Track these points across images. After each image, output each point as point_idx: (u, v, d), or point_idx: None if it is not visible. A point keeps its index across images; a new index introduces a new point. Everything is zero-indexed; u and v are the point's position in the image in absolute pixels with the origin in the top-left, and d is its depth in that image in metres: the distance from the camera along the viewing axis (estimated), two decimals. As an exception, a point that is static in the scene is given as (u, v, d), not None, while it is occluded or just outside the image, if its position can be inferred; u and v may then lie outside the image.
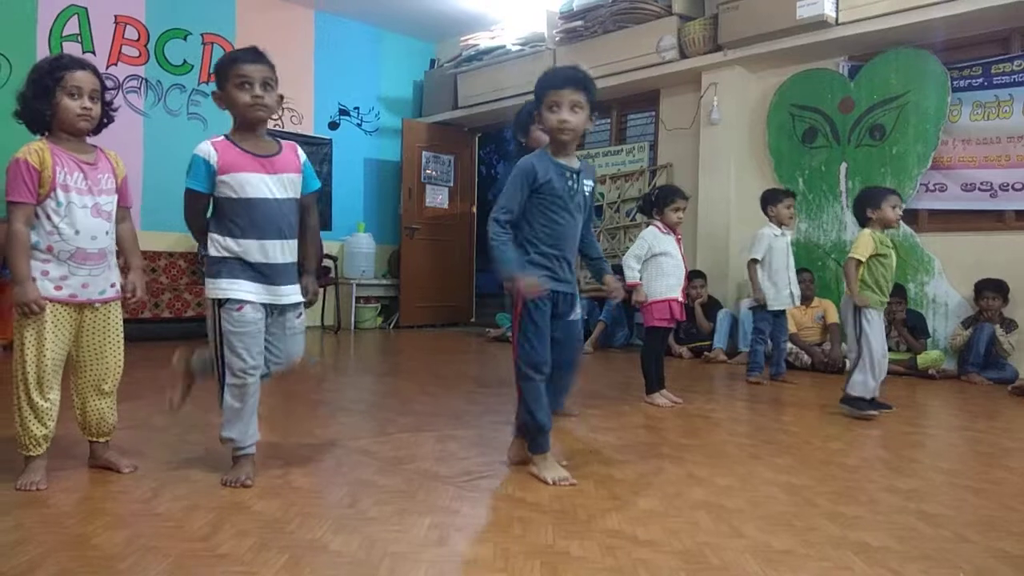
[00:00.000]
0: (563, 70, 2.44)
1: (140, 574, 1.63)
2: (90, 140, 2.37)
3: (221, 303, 2.28)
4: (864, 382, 3.61)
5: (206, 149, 2.30)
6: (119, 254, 2.43)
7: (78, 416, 2.40)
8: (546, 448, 2.47)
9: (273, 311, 2.38)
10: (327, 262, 7.77)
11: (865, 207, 3.78)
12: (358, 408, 3.77)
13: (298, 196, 2.43)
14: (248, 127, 2.37)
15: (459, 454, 2.77)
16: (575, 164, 2.49)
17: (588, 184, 2.53)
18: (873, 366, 3.60)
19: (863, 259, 3.66)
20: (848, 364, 3.76)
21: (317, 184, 2.52)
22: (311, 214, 2.52)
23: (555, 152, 2.45)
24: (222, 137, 2.36)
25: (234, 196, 2.29)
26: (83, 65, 2.27)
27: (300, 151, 2.47)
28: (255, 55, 2.34)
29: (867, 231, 3.72)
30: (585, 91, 2.38)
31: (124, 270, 2.45)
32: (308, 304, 2.48)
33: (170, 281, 6.93)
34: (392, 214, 8.78)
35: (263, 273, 2.32)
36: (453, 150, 8.94)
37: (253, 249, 2.30)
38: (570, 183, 2.45)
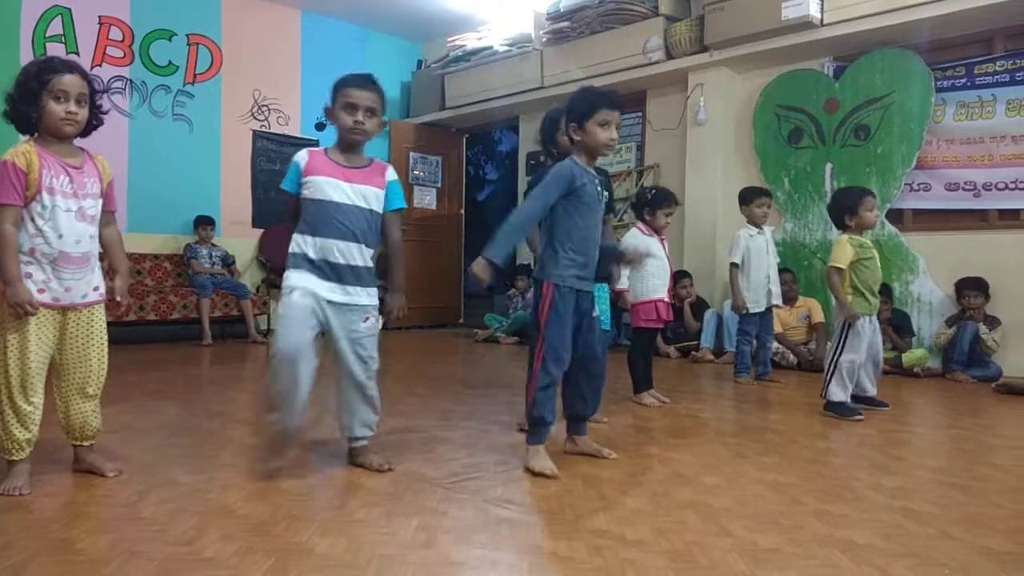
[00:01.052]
0: (610, 93, 2.65)
1: (124, 579, 1.61)
2: (78, 143, 2.36)
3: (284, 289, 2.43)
4: (843, 385, 3.62)
5: (300, 156, 2.49)
6: (103, 257, 2.41)
7: (62, 420, 2.38)
8: (543, 441, 2.60)
9: (332, 310, 2.44)
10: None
11: (843, 214, 3.76)
12: (345, 410, 3.74)
13: (377, 209, 2.53)
14: (346, 147, 2.52)
15: (447, 455, 2.77)
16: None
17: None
18: (845, 373, 3.61)
19: (843, 267, 3.64)
20: (825, 368, 3.75)
21: (401, 204, 2.64)
22: (393, 230, 2.63)
23: (587, 162, 2.65)
24: (320, 147, 2.53)
25: (311, 196, 2.44)
26: (71, 68, 2.25)
27: (390, 172, 2.61)
28: (365, 82, 2.48)
29: (844, 237, 3.70)
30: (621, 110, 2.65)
31: (109, 274, 2.43)
32: (388, 321, 2.59)
33: (155, 283, 6.89)
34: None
35: (323, 270, 2.43)
36: (441, 151, 8.93)
37: (320, 246, 2.42)
38: (599, 189, 2.65)
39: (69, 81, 2.22)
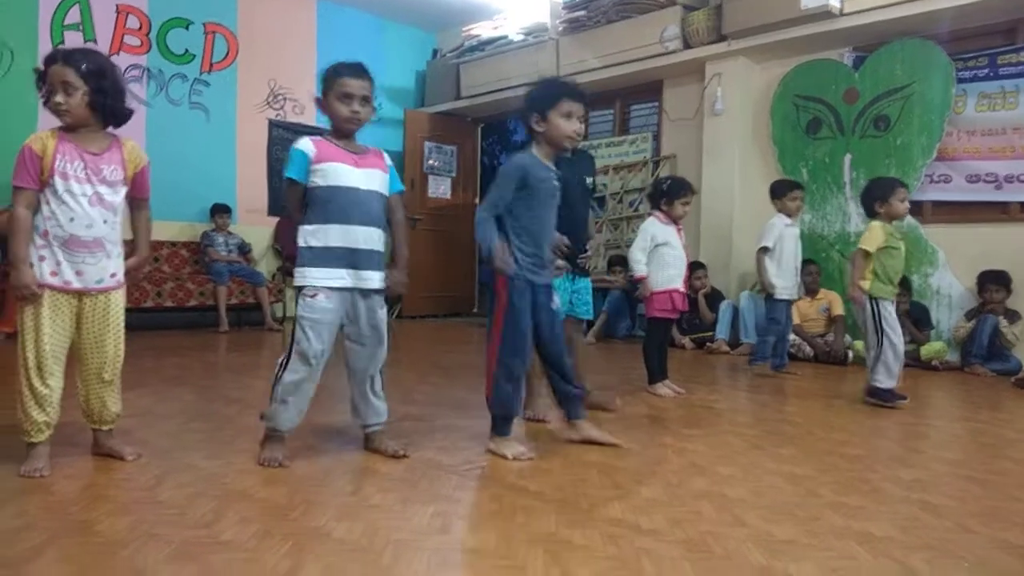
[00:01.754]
0: (574, 84, 2.63)
1: (143, 560, 1.63)
2: (113, 131, 2.38)
3: (300, 289, 2.41)
4: (889, 372, 3.64)
5: (304, 144, 2.43)
6: (126, 244, 2.44)
7: (82, 404, 2.41)
8: (508, 434, 2.63)
9: (357, 298, 2.45)
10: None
11: (874, 200, 3.78)
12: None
13: (384, 192, 2.53)
14: (342, 135, 2.51)
15: (461, 443, 2.77)
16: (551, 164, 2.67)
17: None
18: (892, 358, 3.63)
19: (872, 251, 3.66)
20: (868, 357, 3.76)
21: (402, 187, 2.65)
22: (398, 211, 2.61)
23: (545, 155, 2.62)
24: (319, 136, 2.50)
25: (324, 184, 2.40)
26: (55, 57, 2.25)
27: (386, 157, 2.61)
28: (358, 71, 2.50)
29: (877, 223, 3.72)
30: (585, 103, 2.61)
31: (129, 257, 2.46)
32: (396, 297, 2.54)
33: (172, 271, 6.93)
34: (394, 204, 8.76)
35: (347, 259, 2.41)
36: (456, 140, 8.92)
37: (342, 234, 2.40)
38: (555, 184, 2.64)
39: (53, 71, 2.23)
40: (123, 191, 2.37)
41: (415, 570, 1.62)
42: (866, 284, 3.69)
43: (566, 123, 2.54)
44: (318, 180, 2.40)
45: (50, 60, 2.25)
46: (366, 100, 2.49)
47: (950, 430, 3.37)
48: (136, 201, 2.46)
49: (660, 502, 2.12)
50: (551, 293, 2.70)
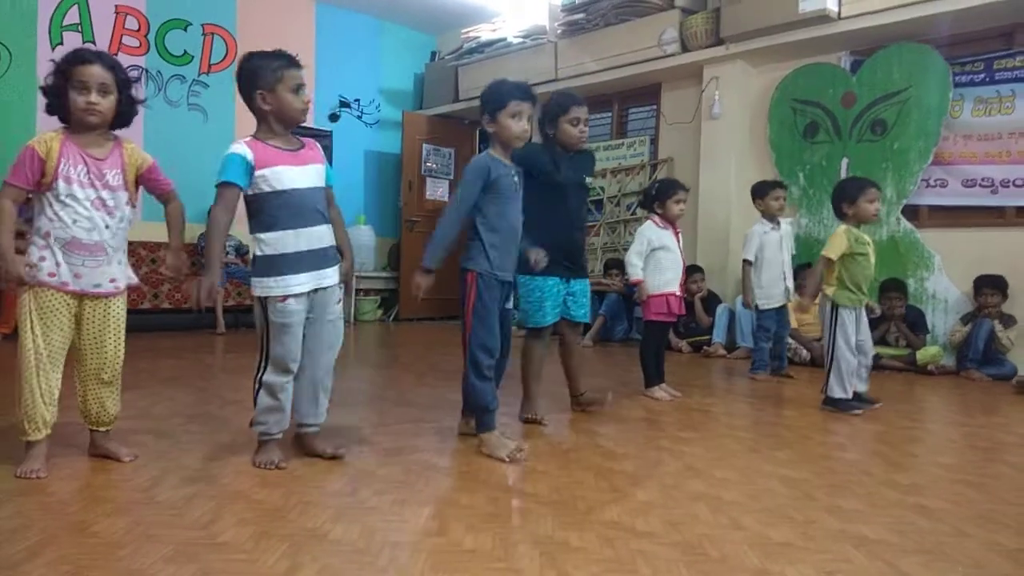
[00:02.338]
0: (522, 84, 2.72)
1: (140, 561, 1.63)
2: (118, 133, 2.39)
3: (265, 298, 2.38)
4: (840, 382, 3.60)
5: (241, 148, 2.34)
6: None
7: (80, 404, 2.41)
8: (493, 426, 2.66)
9: (317, 296, 2.45)
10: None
11: (842, 201, 3.72)
12: (358, 399, 3.77)
13: (323, 184, 2.50)
14: (282, 129, 2.44)
15: (458, 445, 2.78)
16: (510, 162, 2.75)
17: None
18: (840, 367, 3.59)
19: (833, 258, 3.61)
20: (824, 364, 3.73)
21: (332, 180, 2.59)
22: (333, 205, 2.58)
23: (503, 154, 2.71)
24: (249, 138, 2.40)
25: (270, 189, 2.35)
26: (94, 59, 2.26)
27: (319, 147, 2.56)
28: (295, 60, 2.46)
29: (842, 228, 3.66)
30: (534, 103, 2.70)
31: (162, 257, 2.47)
32: (346, 284, 2.59)
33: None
34: (392, 207, 8.77)
35: (307, 262, 2.40)
36: (454, 143, 8.93)
37: (301, 237, 2.38)
38: (515, 180, 2.71)
39: (90, 72, 2.24)
40: (125, 196, 2.37)
41: (412, 572, 1.62)
42: (830, 290, 3.66)
43: (514, 123, 2.63)
44: (263, 186, 2.35)
45: (87, 59, 2.25)
46: (302, 88, 2.43)
47: (945, 434, 3.38)
48: (162, 196, 2.49)
49: (656, 505, 2.13)
50: (511, 291, 2.82)
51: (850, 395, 3.63)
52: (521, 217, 2.77)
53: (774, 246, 4.72)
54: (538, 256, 2.88)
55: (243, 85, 2.41)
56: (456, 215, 2.65)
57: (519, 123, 2.64)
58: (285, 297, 2.36)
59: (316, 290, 2.45)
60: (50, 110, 2.30)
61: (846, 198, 3.70)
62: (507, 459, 2.53)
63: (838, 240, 3.63)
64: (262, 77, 2.37)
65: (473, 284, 2.66)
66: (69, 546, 1.71)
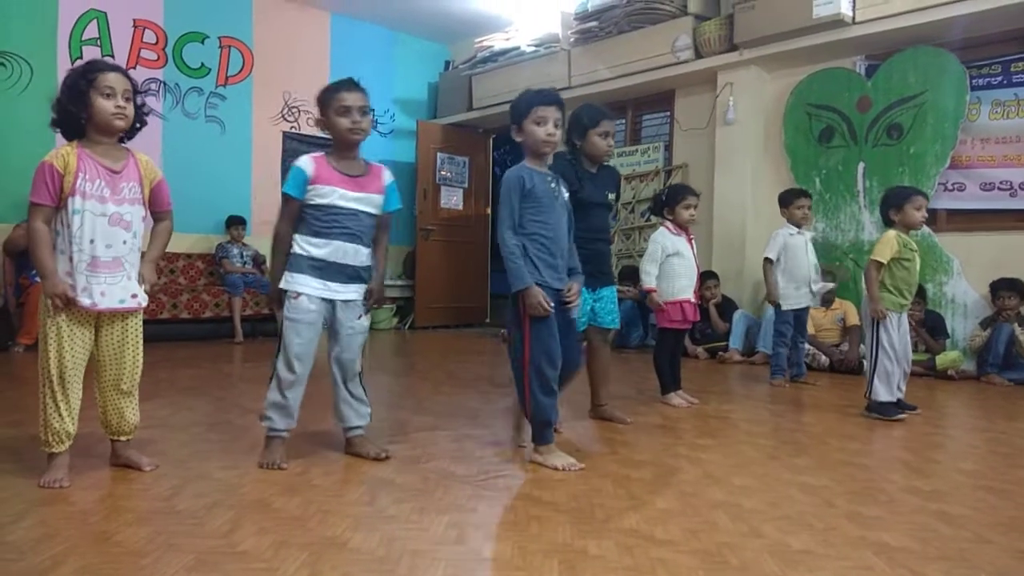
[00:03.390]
0: (545, 90, 2.72)
1: (162, 570, 1.65)
2: (125, 145, 2.41)
3: (285, 292, 2.56)
4: (887, 386, 3.59)
5: (304, 162, 2.56)
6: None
7: (100, 415, 2.44)
8: (551, 440, 2.65)
9: (337, 307, 2.59)
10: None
11: (889, 208, 3.75)
12: (374, 408, 3.74)
13: (376, 212, 2.66)
14: (345, 149, 2.63)
15: (475, 453, 2.78)
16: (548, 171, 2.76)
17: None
18: (888, 372, 3.58)
19: (884, 261, 3.62)
20: (866, 368, 3.73)
21: (398, 205, 2.78)
22: (385, 231, 2.75)
23: (537, 163, 2.71)
24: (321, 153, 2.62)
25: (317, 202, 2.55)
26: (114, 67, 2.32)
27: (387, 175, 2.73)
28: (353, 85, 2.62)
29: (892, 233, 3.67)
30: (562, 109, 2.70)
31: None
32: (373, 305, 2.69)
33: (188, 282, 6.99)
34: (407, 215, 8.79)
35: (332, 272, 2.56)
36: (468, 151, 8.96)
37: (328, 248, 2.55)
38: (552, 186, 2.70)
39: (114, 78, 2.28)
40: (142, 211, 2.39)
41: (431, 580, 1.63)
42: (878, 295, 3.64)
43: (538, 128, 2.63)
44: (314, 199, 2.54)
45: (109, 68, 2.29)
46: (364, 111, 2.60)
47: (966, 440, 3.35)
48: (160, 213, 2.50)
49: (675, 512, 2.12)
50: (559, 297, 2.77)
51: (895, 399, 3.61)
52: (566, 222, 2.73)
53: (799, 249, 4.70)
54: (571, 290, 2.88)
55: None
56: (508, 232, 2.60)
57: (543, 128, 2.63)
58: (298, 295, 2.52)
59: (336, 301, 2.57)
60: (60, 123, 2.30)
61: (893, 205, 3.73)
62: (560, 467, 2.55)
63: (888, 244, 3.64)
64: (322, 102, 2.62)
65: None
66: (92, 555, 1.73)
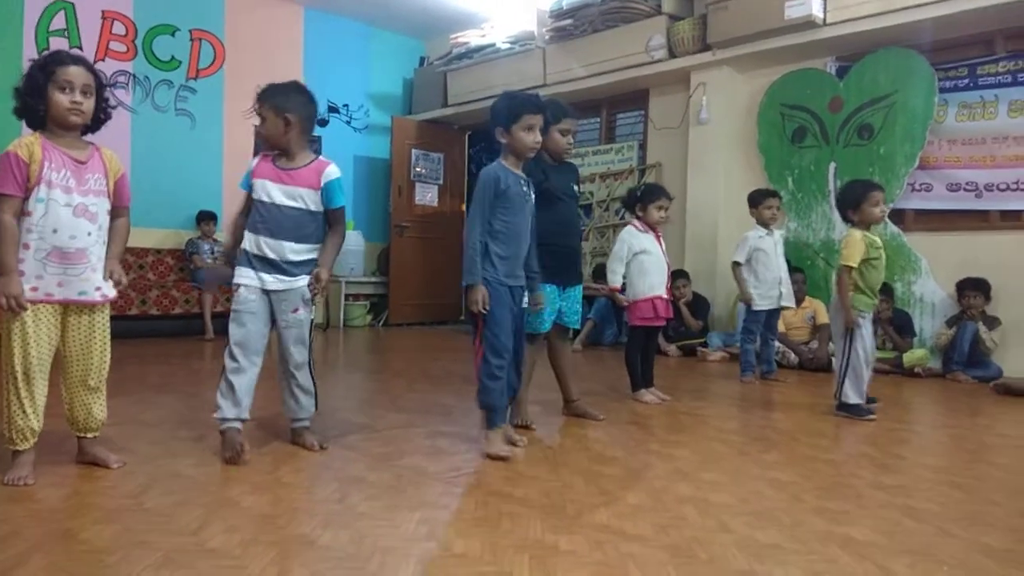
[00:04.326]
0: (535, 97, 2.81)
1: (130, 568, 1.63)
2: (89, 138, 2.37)
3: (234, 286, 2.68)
4: (856, 388, 3.60)
5: (254, 159, 2.73)
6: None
7: (66, 412, 2.40)
8: (499, 423, 2.76)
9: (278, 299, 2.67)
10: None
11: (847, 208, 3.74)
12: (347, 405, 3.76)
13: (310, 208, 2.69)
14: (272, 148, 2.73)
15: (448, 450, 2.78)
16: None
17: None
18: (858, 376, 3.60)
19: (855, 265, 3.58)
20: (836, 368, 3.74)
21: (340, 203, 2.74)
22: (335, 227, 2.77)
23: (513, 164, 2.80)
24: (270, 154, 2.73)
25: (256, 198, 2.67)
26: (76, 60, 2.27)
27: (328, 172, 2.71)
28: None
29: (857, 234, 3.64)
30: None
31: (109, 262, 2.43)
32: (315, 292, 2.71)
33: (157, 278, 6.90)
34: (382, 212, 8.77)
35: (264, 265, 2.64)
36: (443, 148, 8.93)
37: (259, 243, 2.63)
38: (524, 189, 2.80)
39: (74, 72, 2.24)
40: (107, 203, 2.36)
41: (402, 576, 1.62)
42: (851, 304, 3.63)
43: (527, 135, 2.72)
44: (255, 193, 2.67)
45: (69, 60, 2.25)
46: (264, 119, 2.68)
47: (932, 436, 3.41)
48: (118, 210, 2.44)
49: (645, 508, 2.14)
50: (522, 294, 2.85)
51: (864, 401, 3.62)
52: (530, 226, 2.83)
53: (769, 251, 4.75)
54: (537, 302, 2.99)
55: None
56: (479, 228, 2.70)
57: (532, 135, 2.72)
58: (238, 287, 2.64)
59: (275, 292, 2.66)
60: (21, 113, 2.27)
61: (850, 205, 3.71)
62: (493, 453, 2.65)
63: (856, 247, 3.60)
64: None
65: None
66: (58, 553, 1.71)
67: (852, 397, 3.61)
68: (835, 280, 3.73)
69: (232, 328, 2.64)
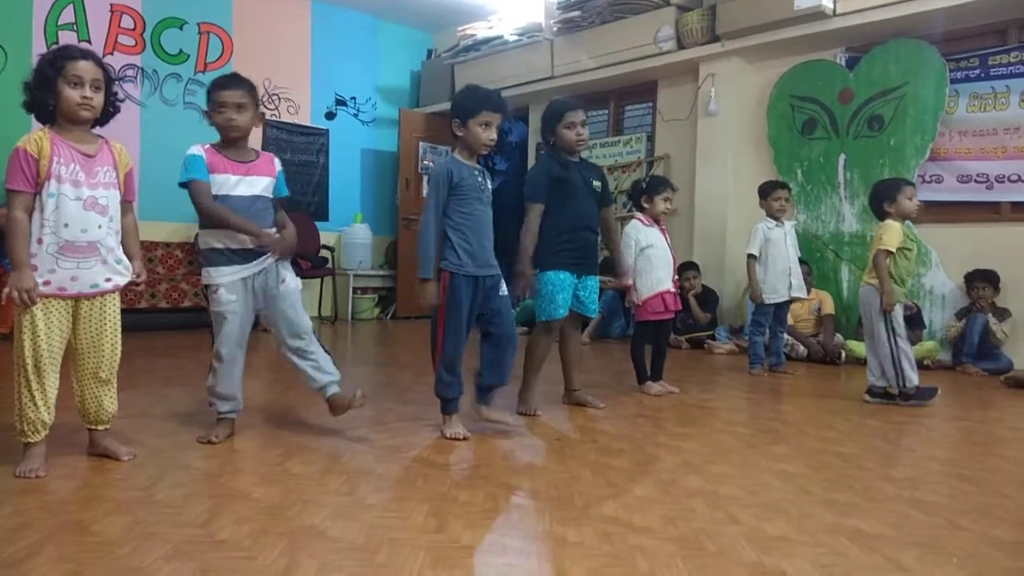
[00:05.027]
0: (494, 95, 2.86)
1: (140, 559, 1.64)
2: (97, 131, 2.38)
3: (208, 287, 2.69)
4: (914, 370, 3.65)
5: (197, 150, 2.66)
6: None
7: (77, 404, 2.41)
8: (455, 410, 2.88)
9: (256, 280, 2.70)
10: (324, 252, 7.77)
11: (882, 202, 3.79)
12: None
13: (268, 196, 2.75)
14: (229, 143, 2.72)
15: (456, 442, 2.78)
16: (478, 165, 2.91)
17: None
18: (909, 355, 3.65)
19: (893, 250, 3.62)
20: (873, 360, 3.72)
21: (287, 192, 2.87)
22: (280, 211, 2.84)
23: (468, 157, 2.86)
24: (208, 144, 2.70)
25: (215, 193, 2.64)
26: (86, 55, 2.28)
27: (276, 162, 2.83)
28: (231, 81, 2.70)
29: (894, 222, 3.70)
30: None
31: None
32: (283, 255, 2.76)
33: (167, 271, 6.93)
34: (389, 205, 8.78)
35: (240, 255, 2.66)
36: (450, 141, 8.89)
37: (230, 236, 2.64)
38: (479, 180, 2.85)
39: (84, 67, 2.24)
40: (117, 195, 2.37)
41: (410, 568, 1.63)
42: (876, 283, 3.67)
43: (483, 132, 2.77)
44: (215, 188, 2.64)
45: (79, 55, 2.25)
46: (240, 107, 2.66)
47: (941, 429, 3.39)
48: (124, 205, 2.45)
49: (654, 500, 2.14)
50: (499, 282, 2.89)
51: (918, 379, 3.68)
52: (490, 214, 2.89)
53: (779, 242, 4.73)
54: (524, 286, 3.13)
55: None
56: (431, 222, 2.77)
57: (487, 132, 2.78)
58: (217, 288, 2.64)
59: (253, 275, 2.68)
60: (30, 107, 2.28)
61: (886, 198, 3.77)
62: (448, 436, 2.79)
63: (894, 232, 3.65)
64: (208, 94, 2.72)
65: (444, 282, 2.77)
66: (69, 545, 1.72)
67: (915, 378, 3.65)
68: (871, 264, 3.75)
69: (218, 328, 2.67)
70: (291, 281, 2.78)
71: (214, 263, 2.66)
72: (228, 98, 2.65)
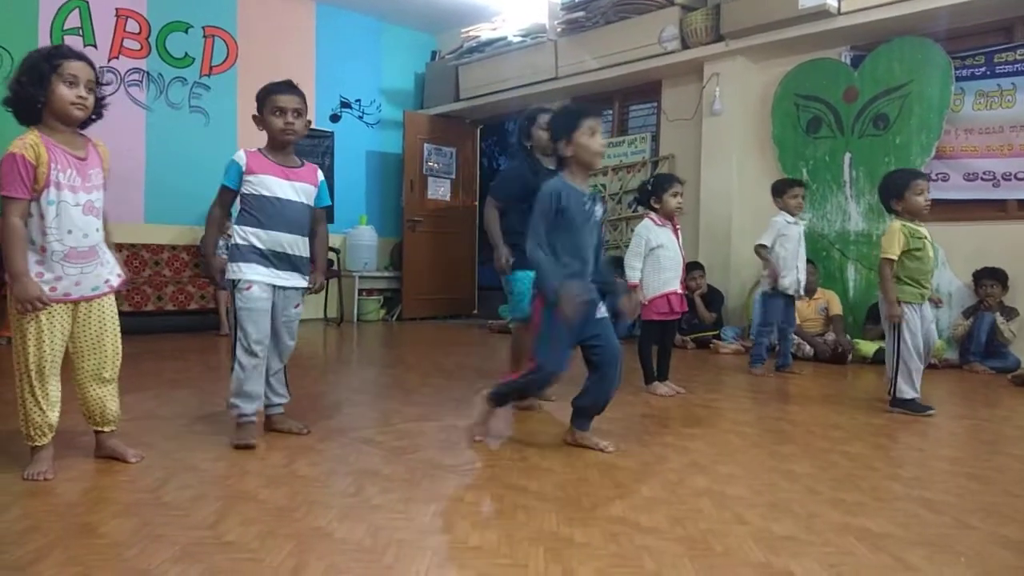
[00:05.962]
0: (587, 104, 2.75)
1: (148, 561, 1.64)
2: (90, 129, 2.37)
3: (235, 283, 2.67)
4: (909, 383, 3.47)
5: (240, 155, 2.73)
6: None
7: (81, 407, 2.41)
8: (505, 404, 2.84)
9: (277, 293, 2.75)
10: (330, 255, 7.78)
11: (890, 197, 3.59)
12: (362, 399, 3.78)
13: (311, 204, 2.82)
14: (279, 147, 2.78)
15: (462, 443, 2.78)
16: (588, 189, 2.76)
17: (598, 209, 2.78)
18: (910, 372, 3.47)
19: (895, 258, 3.46)
20: (888, 366, 3.59)
21: (329, 202, 2.93)
22: (321, 223, 2.93)
23: (579, 178, 2.72)
24: (255, 149, 2.77)
25: (255, 193, 2.70)
26: (80, 56, 2.27)
27: (319, 173, 2.90)
28: (289, 87, 2.77)
29: (896, 225, 3.51)
30: None
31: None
32: (316, 291, 2.87)
33: (173, 274, 6.95)
34: (394, 207, 8.79)
35: (273, 261, 2.71)
36: (455, 142, 8.93)
37: (270, 239, 2.69)
38: (587, 205, 2.70)
39: (80, 67, 2.23)
40: (103, 195, 2.36)
41: (417, 569, 1.63)
42: (894, 298, 3.49)
43: (591, 140, 2.65)
44: (251, 189, 2.70)
45: (75, 55, 2.24)
46: (299, 113, 2.74)
47: (949, 427, 3.38)
48: None
49: (660, 500, 2.14)
50: (596, 305, 2.73)
51: (919, 395, 3.51)
52: (593, 245, 2.72)
53: (793, 239, 4.72)
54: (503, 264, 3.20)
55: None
56: (539, 244, 2.59)
57: (595, 139, 2.66)
58: (250, 285, 2.66)
59: (276, 287, 2.72)
60: (16, 103, 2.21)
61: (893, 195, 3.57)
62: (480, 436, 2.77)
63: (894, 239, 3.47)
64: (259, 100, 2.79)
65: (538, 308, 2.64)
66: (77, 547, 1.73)
67: (907, 392, 3.48)
68: (879, 274, 3.57)
69: (248, 328, 2.66)
70: (300, 307, 2.87)
71: (247, 259, 2.67)
72: (287, 103, 2.69)
